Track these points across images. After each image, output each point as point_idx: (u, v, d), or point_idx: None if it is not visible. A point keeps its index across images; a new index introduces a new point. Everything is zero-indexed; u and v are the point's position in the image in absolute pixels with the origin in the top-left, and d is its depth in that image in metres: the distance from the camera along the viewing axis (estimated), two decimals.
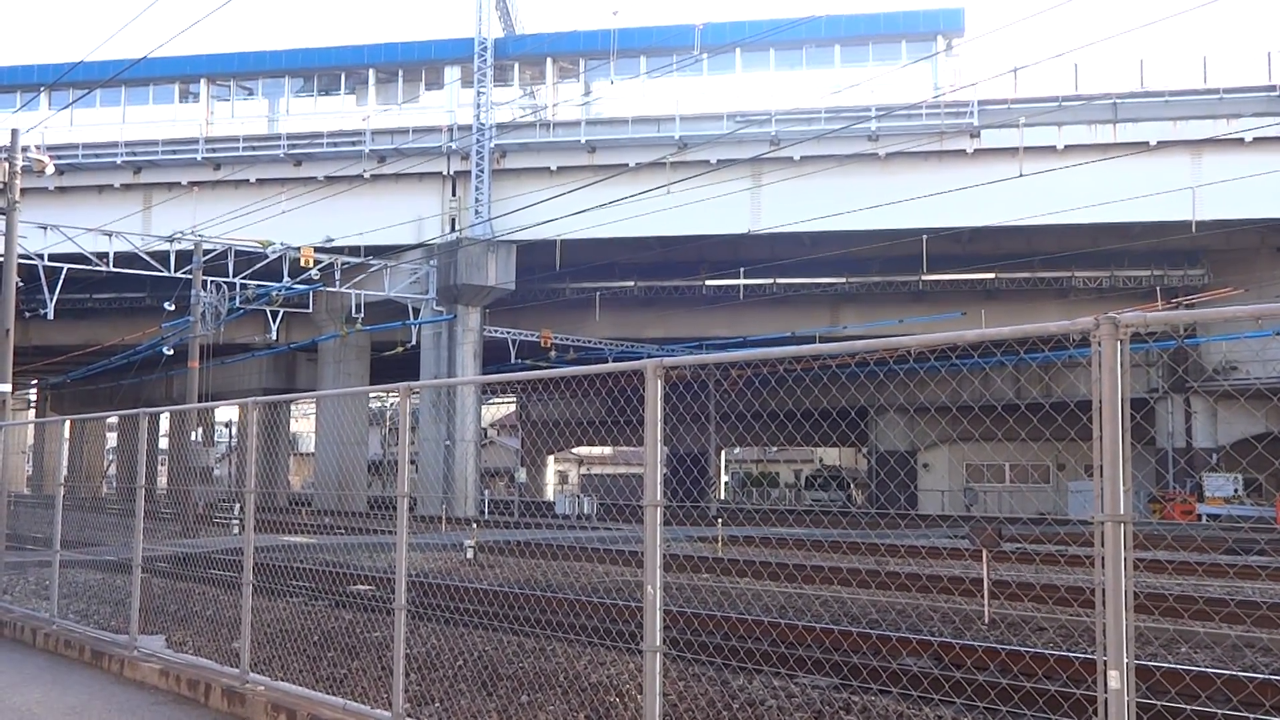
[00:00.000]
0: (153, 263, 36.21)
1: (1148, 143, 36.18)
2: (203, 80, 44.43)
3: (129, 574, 10.76)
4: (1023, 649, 9.86)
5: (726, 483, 71.31)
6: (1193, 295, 38.53)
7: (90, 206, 41.46)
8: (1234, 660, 10.08)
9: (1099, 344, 3.99)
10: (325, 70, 44.37)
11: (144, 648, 10.18)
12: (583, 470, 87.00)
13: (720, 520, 27.52)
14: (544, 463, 75.97)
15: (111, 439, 61.20)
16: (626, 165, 37.94)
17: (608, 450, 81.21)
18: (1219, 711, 6.89)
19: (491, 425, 78.00)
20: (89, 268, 36.32)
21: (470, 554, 19.75)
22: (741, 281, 42.62)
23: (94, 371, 54.17)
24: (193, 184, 42.52)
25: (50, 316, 36.30)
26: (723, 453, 66.92)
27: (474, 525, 24.63)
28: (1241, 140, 35.38)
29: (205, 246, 34.74)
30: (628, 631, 9.29)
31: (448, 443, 40.14)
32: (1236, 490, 40.82)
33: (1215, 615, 11.70)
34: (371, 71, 43.53)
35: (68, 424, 32.09)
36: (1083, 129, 37.28)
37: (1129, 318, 4.00)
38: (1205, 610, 11.84)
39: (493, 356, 43.98)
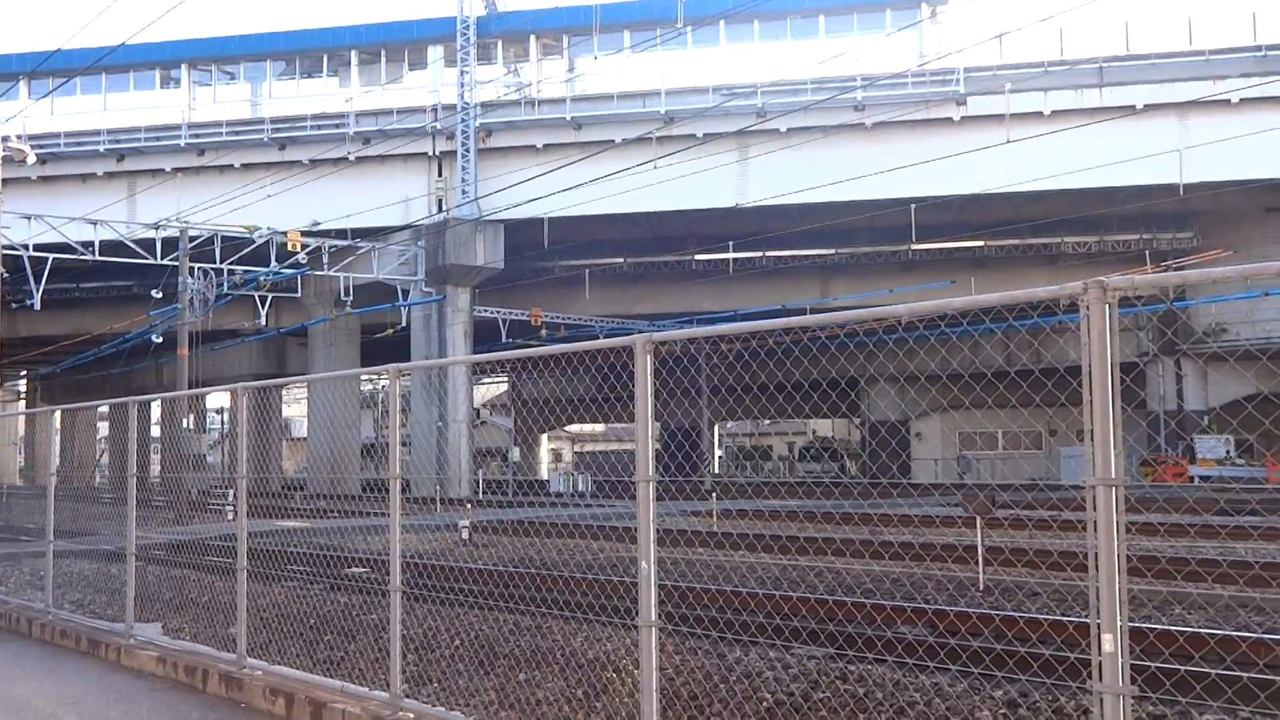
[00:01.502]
0: (139, 250, 36.04)
1: (1134, 106, 36.16)
2: (184, 65, 44.15)
3: (123, 563, 10.75)
4: (1017, 614, 9.90)
5: (720, 457, 71.45)
6: (1181, 258, 38.58)
7: (74, 195, 41.28)
8: (1227, 620, 10.13)
9: (1087, 308, 3.98)
10: (307, 53, 44.10)
11: (140, 635, 10.17)
12: (576, 448, 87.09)
13: (714, 494, 27.58)
14: (537, 441, 76.04)
15: (103, 428, 61.05)
16: (613, 141, 37.79)
17: (600, 427, 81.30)
18: (1213, 671, 6.93)
19: (484, 405, 77.97)
20: (75, 257, 36.13)
21: (465, 534, 19.77)
22: (730, 255, 42.58)
23: (84, 361, 54.00)
24: (177, 170, 42.31)
25: (37, 307, 36.15)
26: (715, 427, 66.99)
27: (468, 505, 24.63)
28: (1228, 101, 35.32)
29: (191, 233, 34.56)
30: (623, 607, 9.31)
31: (440, 424, 40.13)
32: (1228, 451, 41.02)
33: (1208, 576, 11.76)
34: (354, 53, 43.27)
35: (58, 414, 32.02)
36: (1069, 94, 37.21)
37: (1117, 281, 3.99)
38: (1198, 572, 11.90)
39: (483, 336, 43.92)
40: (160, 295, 36.05)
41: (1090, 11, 44.04)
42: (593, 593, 12.08)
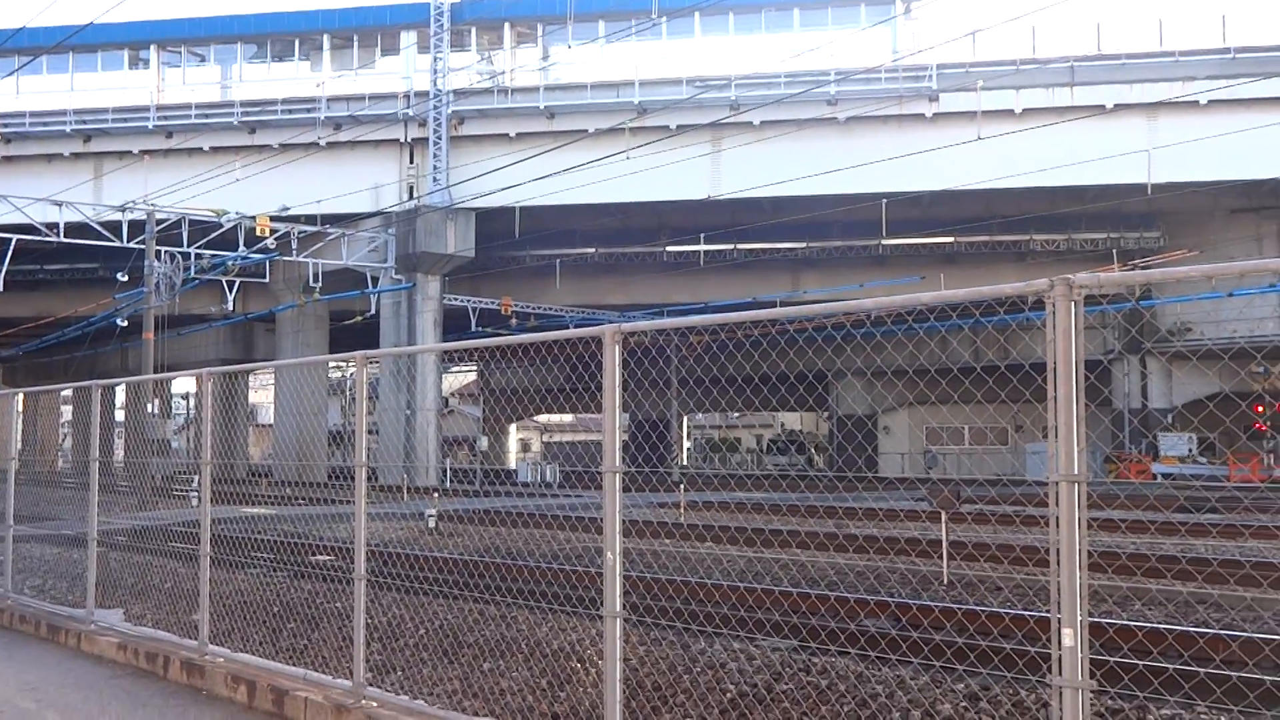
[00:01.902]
0: (105, 233, 35.66)
1: (1104, 106, 36.44)
2: (153, 46, 43.67)
3: (85, 548, 10.66)
4: (979, 608, 9.98)
5: (688, 448, 71.57)
6: (1148, 257, 38.94)
7: (39, 176, 40.77)
8: (1186, 617, 10.25)
9: (1053, 305, 4.01)
10: (279, 36, 43.72)
11: (101, 621, 10.09)
12: (545, 438, 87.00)
13: (682, 486, 27.63)
14: (506, 431, 75.91)
15: (67, 412, 60.41)
16: (586, 131, 37.71)
17: (569, 418, 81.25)
18: (1170, 666, 7.01)
19: (453, 394, 77.75)
20: (39, 238, 35.72)
21: (432, 523, 19.70)
22: (702, 247, 42.60)
23: (47, 344, 53.38)
24: (144, 152, 41.86)
25: (0, 289, 35.71)
26: (684, 418, 67.11)
27: (435, 494, 24.58)
28: (1196, 103, 35.66)
29: (158, 216, 34.21)
30: (589, 598, 9.31)
31: (408, 412, 39.97)
32: (1190, 449, 41.49)
33: (1168, 573, 11.90)
34: (326, 37, 42.93)
35: (20, 397, 31.63)
36: (1040, 92, 37.46)
37: (1083, 279, 4.02)
38: (1158, 568, 12.03)
39: (453, 325, 43.76)
40: (126, 278, 35.67)
41: (1062, 11, 44.30)
42: (558, 583, 12.08)
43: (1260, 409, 38.09)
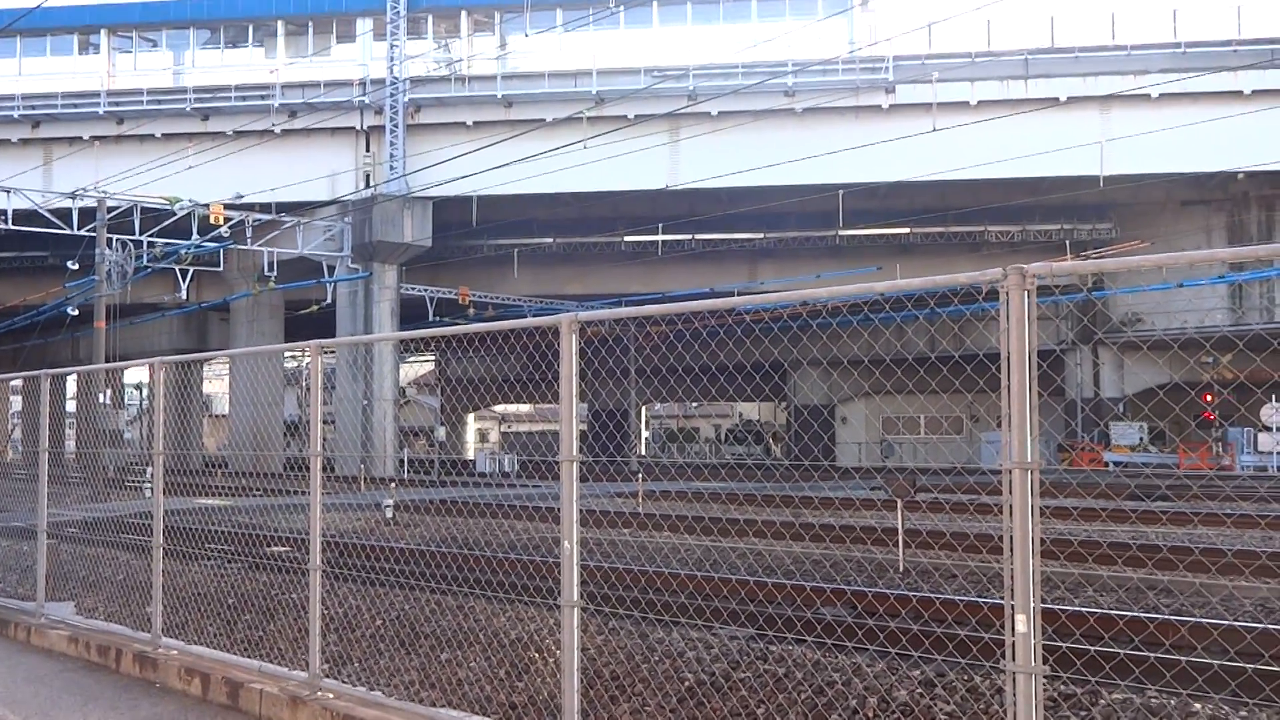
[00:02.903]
0: (54, 220, 35.11)
1: (1058, 98, 36.77)
2: (103, 31, 43.01)
3: (35, 540, 10.51)
4: (934, 595, 10.07)
5: (647, 439, 71.63)
6: (1100, 249, 39.41)
7: None
8: (1136, 602, 10.40)
9: (1007, 294, 4.05)
10: (232, 21, 43.19)
11: (52, 615, 9.97)
12: (503, 428, 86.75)
13: (640, 475, 27.65)
14: (464, 421, 75.61)
15: (17, 402, 59.47)
16: (543, 120, 37.58)
17: (527, 408, 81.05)
18: (1121, 651, 7.11)
19: (410, 384, 77.31)
20: None
21: (389, 514, 19.60)
22: (660, 238, 42.62)
23: None
24: (95, 139, 41.25)
25: None
26: (643, 409, 67.16)
27: (393, 484, 24.43)
28: (1148, 96, 36.11)
29: (109, 203, 33.73)
30: (546, 587, 9.31)
31: (365, 402, 39.71)
32: (1141, 438, 42.08)
33: (1119, 559, 12.06)
34: (280, 23, 42.47)
35: None
36: (995, 85, 37.77)
37: (1035, 268, 4.06)
38: (1109, 554, 12.19)
39: (411, 314, 43.50)
40: (77, 267, 35.16)
41: (1017, 4, 44.64)
42: (516, 573, 12.06)
43: (1209, 398, 38.73)
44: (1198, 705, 6.23)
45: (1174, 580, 11.09)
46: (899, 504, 13.54)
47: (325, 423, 7.41)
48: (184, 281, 38.70)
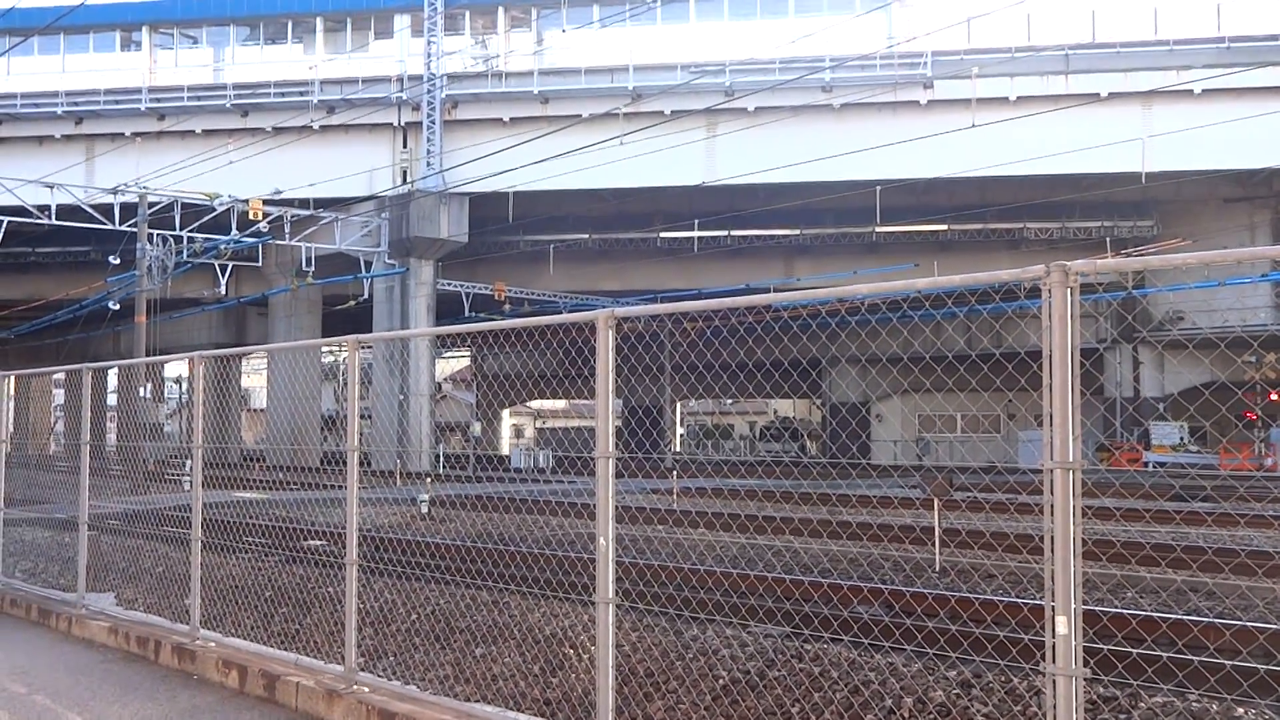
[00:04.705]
0: (96, 215, 35.52)
1: (1099, 94, 36.33)
2: (145, 28, 43.47)
3: (77, 532, 10.62)
4: (972, 596, 9.98)
5: (681, 435, 71.58)
6: (1142, 246, 38.95)
7: (30, 158, 40.57)
8: (1180, 605, 10.26)
9: (1049, 292, 3.99)
10: (272, 18, 43.51)
11: (93, 606, 10.06)
12: (538, 423, 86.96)
13: (675, 472, 27.62)
14: (499, 416, 75.87)
15: (59, 395, 60.24)
16: (580, 116, 37.58)
17: (563, 403, 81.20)
18: (1164, 655, 7.01)
19: (446, 379, 77.67)
20: (30, 220, 35.56)
21: (425, 508, 19.70)
22: (696, 234, 42.52)
23: (39, 327, 53.22)
24: (136, 135, 41.68)
25: None
26: (677, 405, 67.11)
27: (428, 479, 24.54)
28: (1191, 92, 35.62)
29: (150, 199, 34.08)
30: (581, 584, 9.30)
31: (401, 397, 39.90)
32: (1182, 438, 41.56)
33: (1161, 561, 11.91)
34: (319, 20, 42.73)
35: (12, 380, 31.54)
36: (1035, 80, 37.37)
37: (1079, 265, 4.00)
38: (1152, 556, 12.04)
39: (447, 310, 43.66)
40: (118, 261, 35.56)
41: None
42: (551, 568, 12.07)
43: (1274, 396, 38.16)
44: (1241, 710, 6.12)
45: (1219, 583, 10.93)
46: (936, 503, 13.44)
47: (362, 417, 7.43)
48: (223, 276, 39.07)
